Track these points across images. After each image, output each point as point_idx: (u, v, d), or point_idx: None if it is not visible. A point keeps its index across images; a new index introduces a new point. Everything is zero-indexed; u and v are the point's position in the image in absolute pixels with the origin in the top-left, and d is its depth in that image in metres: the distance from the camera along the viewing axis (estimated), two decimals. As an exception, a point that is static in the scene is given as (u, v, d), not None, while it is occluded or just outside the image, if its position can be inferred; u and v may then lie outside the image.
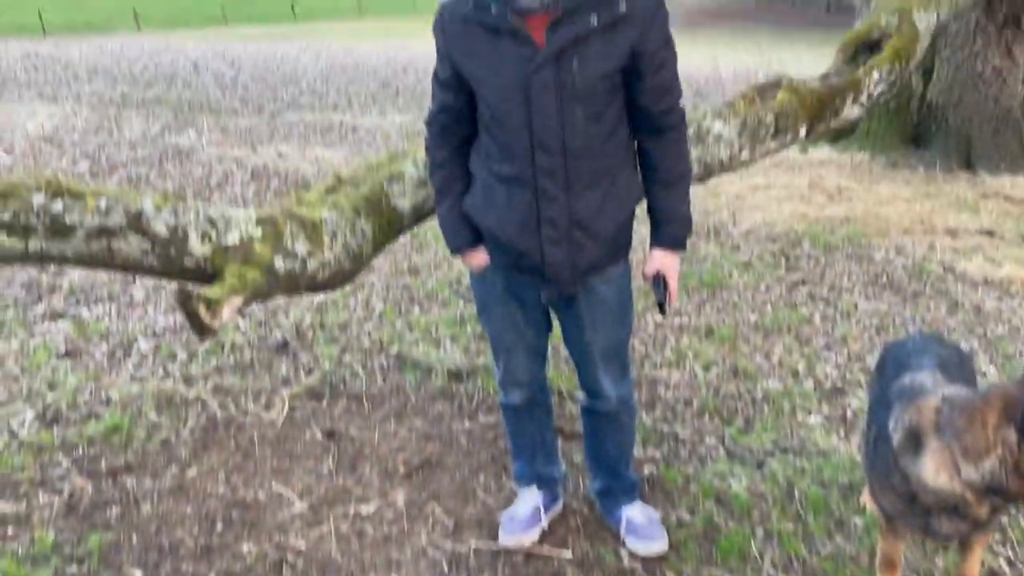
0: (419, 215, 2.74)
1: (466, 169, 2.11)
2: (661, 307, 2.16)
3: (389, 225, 2.64)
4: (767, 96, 3.38)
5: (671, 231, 2.12)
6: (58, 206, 1.91)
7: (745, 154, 3.20)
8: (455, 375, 3.50)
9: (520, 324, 2.23)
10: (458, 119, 2.06)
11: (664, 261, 2.14)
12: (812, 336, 3.93)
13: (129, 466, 2.84)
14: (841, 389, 3.39)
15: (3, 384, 3.31)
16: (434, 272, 4.81)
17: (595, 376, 2.28)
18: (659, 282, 2.15)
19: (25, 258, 1.95)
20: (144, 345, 3.70)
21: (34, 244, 1.91)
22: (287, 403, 3.25)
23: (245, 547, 2.43)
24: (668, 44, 1.95)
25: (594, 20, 1.82)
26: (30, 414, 3.13)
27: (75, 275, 4.33)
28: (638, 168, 2.11)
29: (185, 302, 1.64)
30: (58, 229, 1.91)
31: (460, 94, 2.00)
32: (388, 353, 3.72)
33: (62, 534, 2.48)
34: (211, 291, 1.72)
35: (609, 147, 1.96)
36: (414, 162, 2.70)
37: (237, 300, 1.79)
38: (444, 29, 1.97)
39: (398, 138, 9.24)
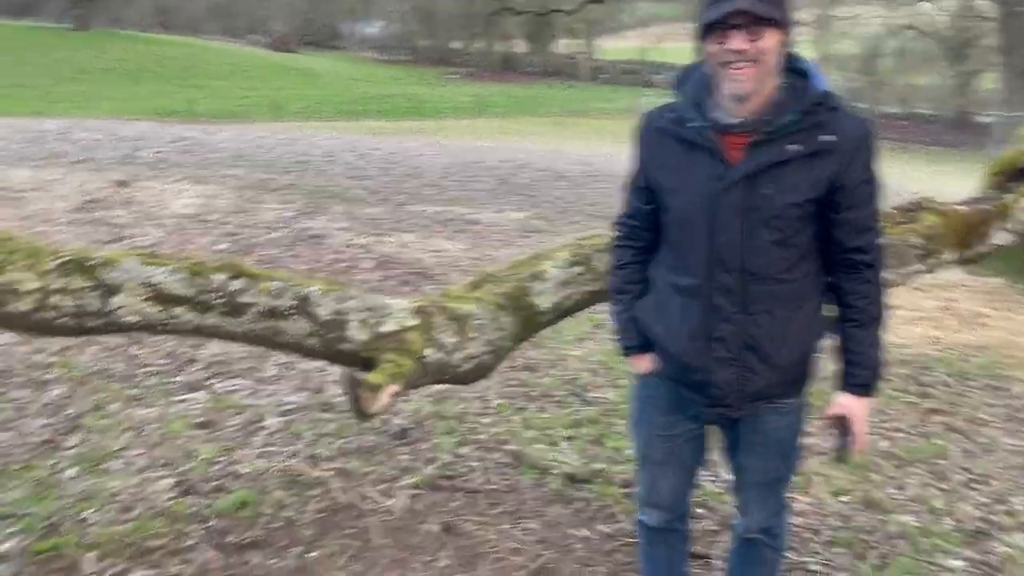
0: (559, 313, 2.77)
1: (644, 274, 2.10)
2: (839, 454, 2.04)
3: (528, 322, 2.68)
4: (911, 217, 3.31)
5: (859, 375, 2.01)
6: (236, 285, 2.04)
7: (891, 276, 3.11)
8: (572, 479, 3.45)
9: (678, 439, 2.15)
10: (645, 226, 2.07)
11: (850, 406, 2.02)
12: (949, 471, 3.70)
13: (255, 542, 2.90)
14: (985, 532, 3.16)
15: (144, 451, 3.46)
16: (549, 370, 4.81)
17: (746, 499, 2.20)
18: (841, 427, 2.04)
19: (199, 332, 2.09)
20: (273, 422, 3.82)
21: (210, 319, 2.04)
22: (407, 493, 3.27)
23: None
24: (871, 180, 1.89)
25: (796, 147, 1.79)
26: (166, 483, 3.26)
27: (213, 348, 4.54)
28: (823, 302, 2.03)
29: (354, 386, 1.70)
30: (234, 307, 2.04)
31: (651, 202, 2.02)
32: (505, 450, 3.71)
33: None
34: (374, 376, 1.78)
35: (795, 274, 1.90)
36: (555, 263, 2.75)
37: (394, 387, 1.85)
38: (642, 138, 2.01)
39: (515, 234, 9.45)
